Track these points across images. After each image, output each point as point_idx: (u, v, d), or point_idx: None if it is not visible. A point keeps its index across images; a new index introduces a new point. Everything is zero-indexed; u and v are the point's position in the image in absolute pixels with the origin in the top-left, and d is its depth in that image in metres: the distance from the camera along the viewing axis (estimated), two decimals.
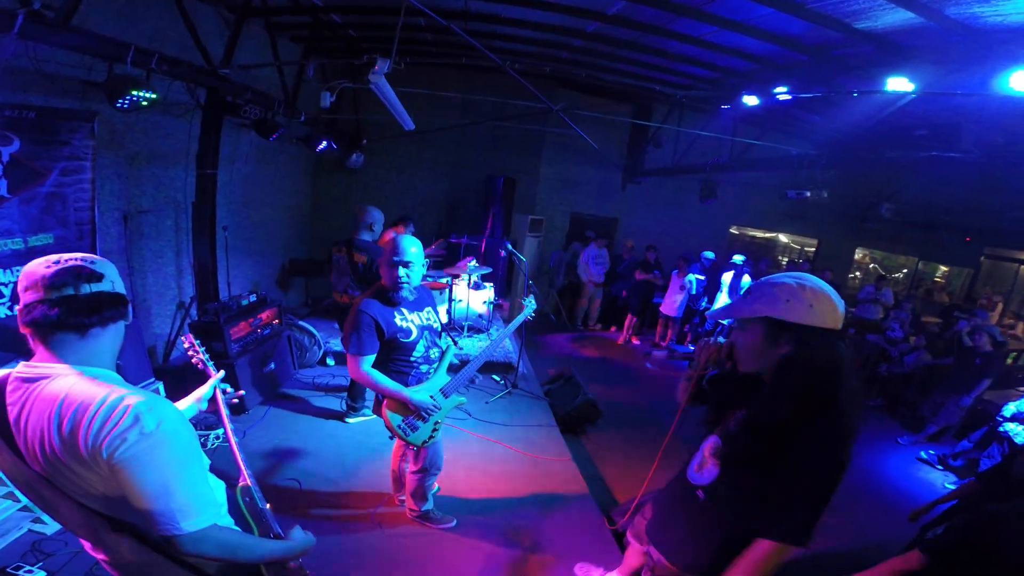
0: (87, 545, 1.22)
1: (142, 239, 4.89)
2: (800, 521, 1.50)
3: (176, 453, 1.08)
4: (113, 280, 1.20)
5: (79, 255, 1.18)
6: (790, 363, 1.45)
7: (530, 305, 3.47)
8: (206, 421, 4.22)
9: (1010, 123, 4.45)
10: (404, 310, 2.64)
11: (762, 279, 1.57)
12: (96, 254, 3.64)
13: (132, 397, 1.06)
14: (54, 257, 1.14)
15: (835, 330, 1.45)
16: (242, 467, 1.61)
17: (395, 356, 2.64)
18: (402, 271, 2.56)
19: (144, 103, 3.39)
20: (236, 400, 1.85)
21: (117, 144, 4.38)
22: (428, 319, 2.78)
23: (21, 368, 1.14)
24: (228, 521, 1.39)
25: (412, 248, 2.58)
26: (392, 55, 3.40)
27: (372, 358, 2.54)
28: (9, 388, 1.13)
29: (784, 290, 1.46)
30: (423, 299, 2.81)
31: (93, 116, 3.90)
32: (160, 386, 3.98)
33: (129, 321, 1.27)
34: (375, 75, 3.39)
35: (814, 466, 1.45)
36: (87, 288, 1.12)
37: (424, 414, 2.63)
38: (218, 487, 1.43)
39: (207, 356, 1.94)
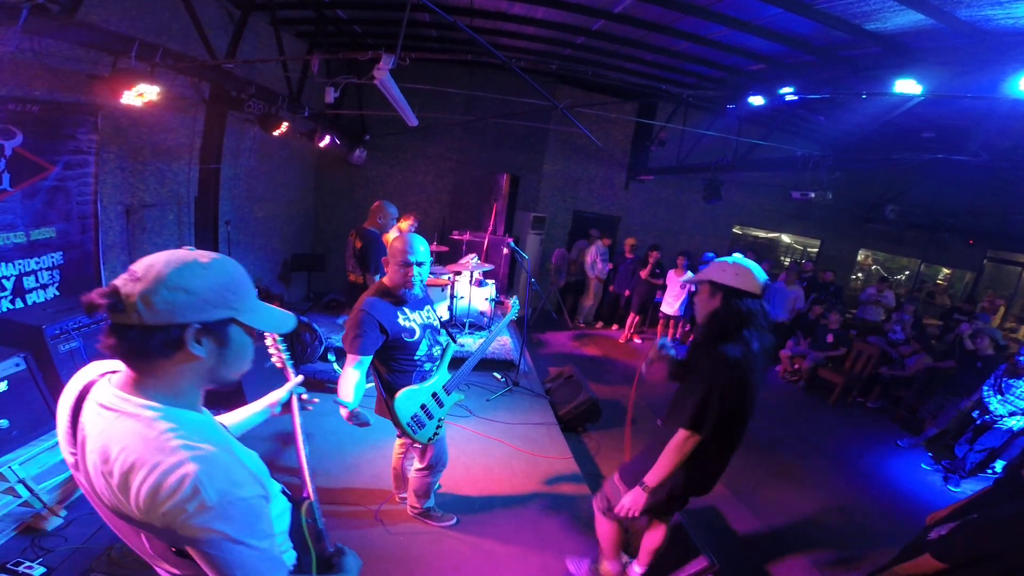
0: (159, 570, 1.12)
1: (144, 233, 4.88)
2: (696, 415, 2.18)
3: (241, 525, 0.94)
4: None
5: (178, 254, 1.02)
6: (719, 308, 2.22)
7: (515, 306, 3.54)
8: None
9: (1020, 127, 4.42)
10: (407, 310, 2.63)
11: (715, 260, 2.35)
12: (99, 248, 3.66)
13: (190, 464, 0.90)
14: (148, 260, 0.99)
15: (754, 293, 2.18)
16: (307, 480, 1.51)
17: (399, 356, 2.62)
18: (416, 270, 2.53)
19: (148, 97, 3.36)
20: (310, 407, 1.74)
21: (121, 138, 4.36)
22: (428, 317, 2.77)
23: (105, 387, 1.00)
24: (289, 553, 1.27)
25: (422, 247, 2.57)
26: (397, 51, 3.37)
27: (368, 359, 2.47)
28: (87, 404, 1.01)
29: (722, 265, 2.25)
30: (423, 298, 2.81)
31: (97, 110, 3.89)
32: None
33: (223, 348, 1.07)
34: (380, 71, 3.36)
35: (704, 375, 2.20)
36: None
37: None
38: (282, 510, 1.27)
39: (288, 356, 1.83)
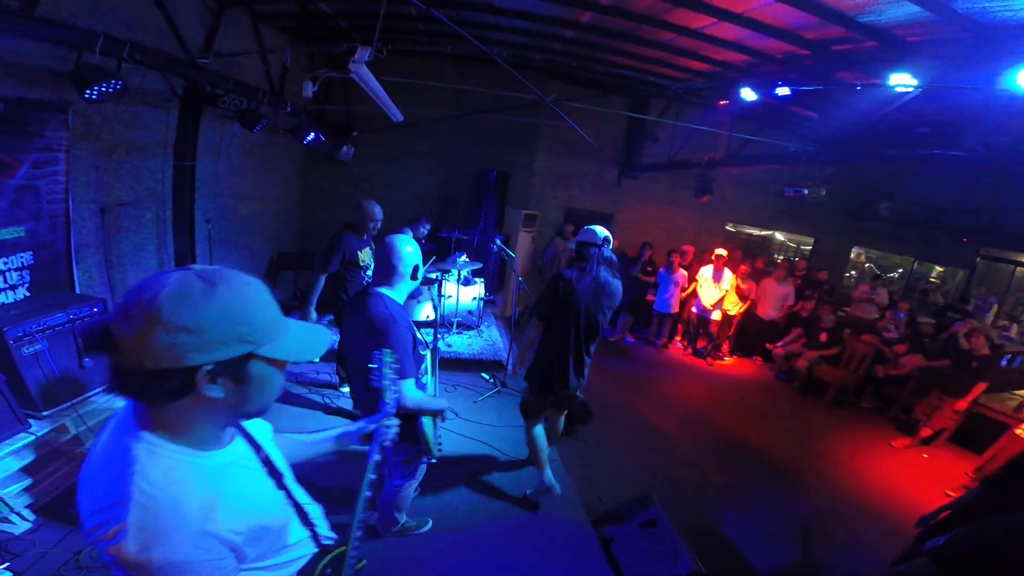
0: None
1: (121, 232, 4.74)
2: (535, 303, 3.45)
3: None
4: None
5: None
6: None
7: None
8: None
9: (1016, 123, 4.34)
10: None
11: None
12: (71, 247, 3.53)
13: (128, 510, 0.82)
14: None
15: (593, 243, 3.29)
16: (353, 526, 1.27)
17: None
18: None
19: (114, 94, 3.23)
20: (388, 443, 1.53)
21: (94, 135, 4.21)
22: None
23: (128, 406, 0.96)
24: None
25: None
26: (373, 43, 3.25)
27: None
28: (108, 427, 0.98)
29: (583, 230, 3.39)
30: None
31: (67, 107, 3.74)
32: None
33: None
34: (355, 64, 3.25)
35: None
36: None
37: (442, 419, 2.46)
38: (295, 558, 1.15)
39: (392, 383, 1.64)
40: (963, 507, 2.81)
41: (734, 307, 7.97)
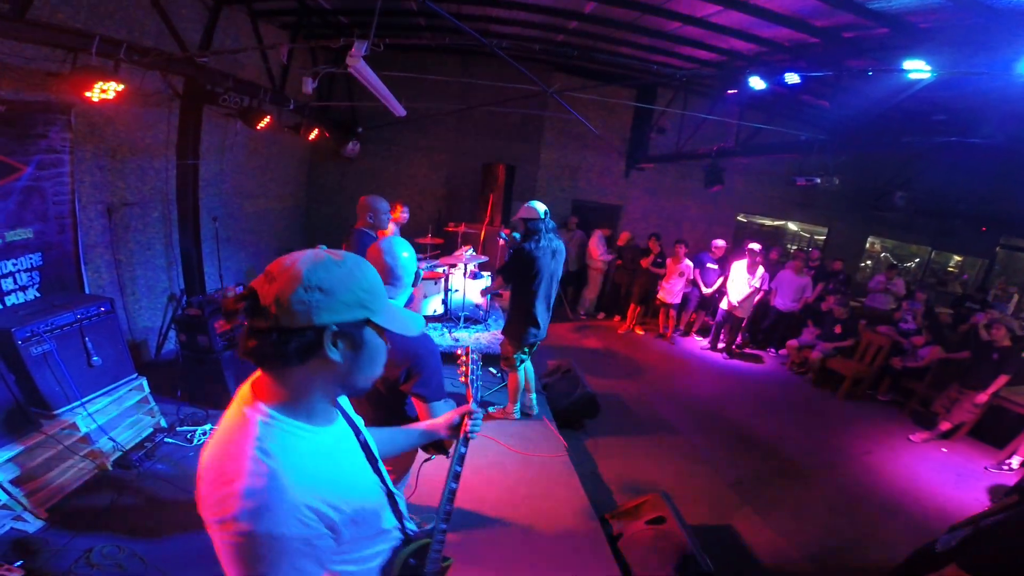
0: None
1: (128, 231, 4.77)
2: (501, 268, 4.32)
3: (258, 558, 0.85)
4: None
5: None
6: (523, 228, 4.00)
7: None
8: (193, 417, 4.16)
9: None
10: None
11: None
12: (79, 248, 3.56)
13: (244, 479, 0.85)
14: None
15: (535, 218, 3.91)
16: (441, 518, 1.31)
17: None
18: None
19: (112, 94, 3.22)
20: (473, 436, 1.56)
21: (97, 136, 4.24)
22: None
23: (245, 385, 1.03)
24: None
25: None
26: (370, 37, 3.21)
27: None
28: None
29: (523, 208, 3.96)
30: None
31: (69, 108, 3.76)
32: (144, 382, 3.90)
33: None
34: (352, 58, 3.20)
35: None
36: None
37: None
38: (379, 551, 1.16)
39: (478, 376, 1.70)
40: (993, 524, 2.70)
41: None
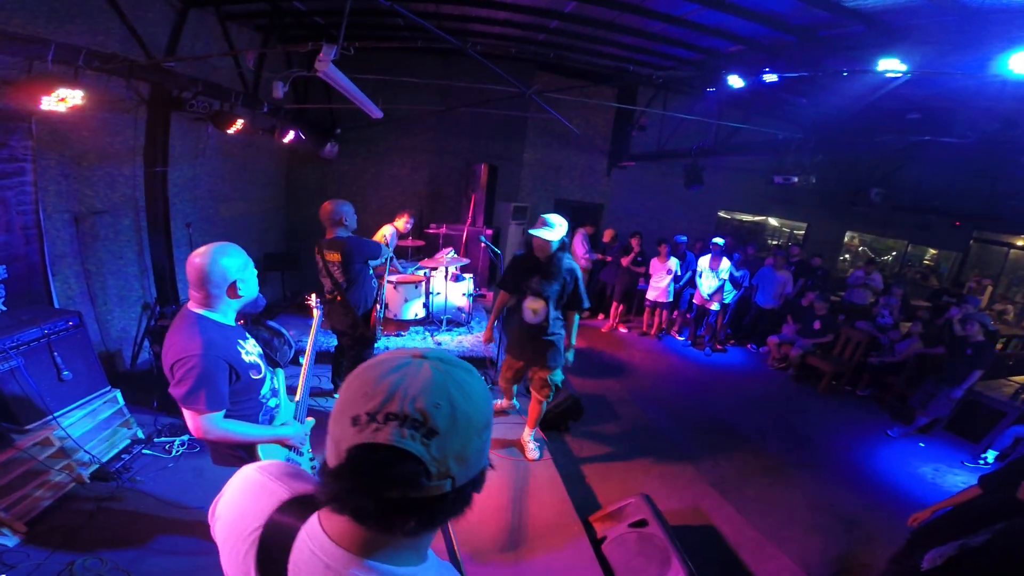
0: None
1: (97, 241, 4.64)
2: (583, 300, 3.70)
3: None
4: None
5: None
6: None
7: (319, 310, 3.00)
8: (171, 427, 4.09)
9: (1007, 108, 4.25)
10: (240, 341, 2.08)
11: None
12: (45, 259, 3.44)
13: None
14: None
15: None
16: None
17: (241, 399, 2.07)
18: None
19: (72, 102, 3.12)
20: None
21: (62, 143, 4.10)
22: (255, 346, 2.22)
23: (324, 543, 0.73)
24: None
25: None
26: (340, 41, 3.14)
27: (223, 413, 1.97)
28: (298, 548, 0.76)
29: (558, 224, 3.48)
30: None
31: (29, 116, 3.62)
32: (118, 394, 3.82)
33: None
34: (321, 63, 3.13)
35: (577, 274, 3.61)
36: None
37: (300, 445, 2.24)
38: None
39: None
40: (959, 512, 2.75)
41: (729, 295, 7.93)
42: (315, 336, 2.61)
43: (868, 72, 4.42)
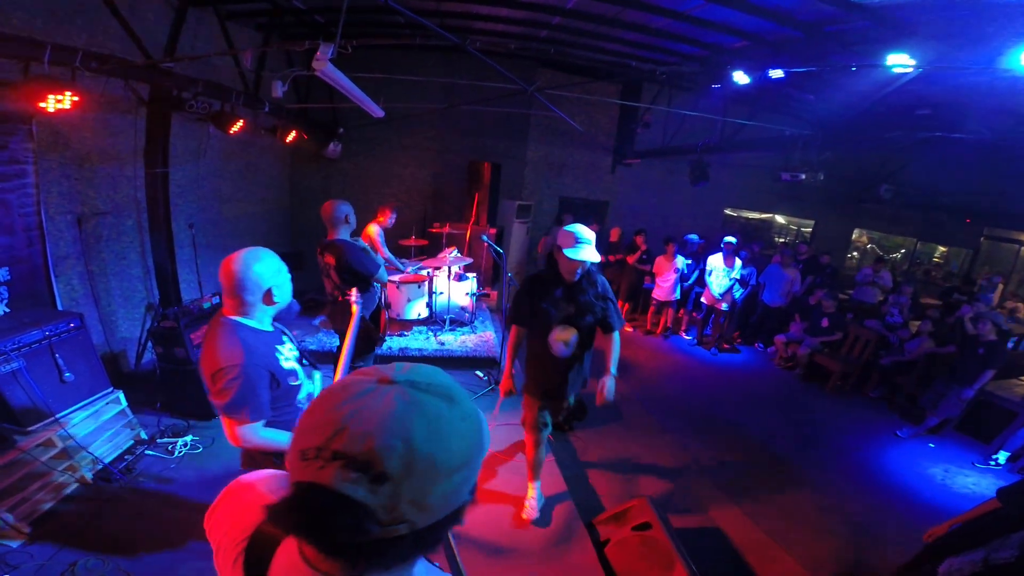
0: None
1: (101, 242, 4.65)
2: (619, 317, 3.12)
3: None
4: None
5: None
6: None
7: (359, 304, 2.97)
8: (174, 428, 4.09)
9: (1019, 104, 4.16)
10: (278, 346, 2.05)
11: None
12: (48, 260, 3.45)
13: None
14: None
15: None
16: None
17: (279, 405, 2.04)
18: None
19: (67, 104, 3.11)
20: None
21: (63, 145, 4.11)
22: (292, 349, 2.18)
23: (294, 553, 0.70)
24: None
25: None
26: (337, 39, 3.11)
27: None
28: (278, 559, 0.74)
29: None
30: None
31: (30, 118, 3.63)
32: (120, 395, 3.84)
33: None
34: (318, 62, 3.10)
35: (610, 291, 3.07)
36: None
37: None
38: None
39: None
40: (975, 526, 2.68)
41: (737, 293, 7.86)
42: (353, 334, 2.45)
43: (876, 67, 4.35)
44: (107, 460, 3.59)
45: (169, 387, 4.34)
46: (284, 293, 1.96)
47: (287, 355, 2.05)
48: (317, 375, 2.33)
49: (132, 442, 3.90)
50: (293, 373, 2.04)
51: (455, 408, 0.65)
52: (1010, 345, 6.34)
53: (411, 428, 0.60)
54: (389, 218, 5.77)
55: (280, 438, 1.96)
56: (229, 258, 1.85)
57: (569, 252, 2.76)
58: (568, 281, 2.92)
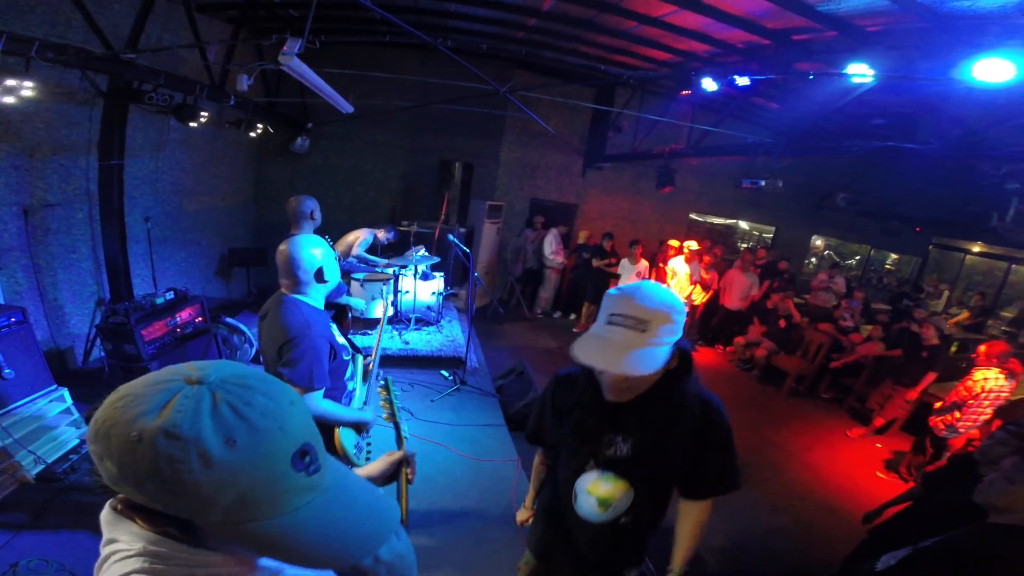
0: None
1: (49, 235, 4.45)
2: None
3: None
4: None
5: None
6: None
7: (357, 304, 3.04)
8: None
9: (970, 114, 4.37)
10: (331, 323, 2.24)
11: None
12: None
13: None
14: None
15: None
16: None
17: (333, 378, 2.19)
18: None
19: (21, 94, 2.98)
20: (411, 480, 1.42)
21: (13, 135, 3.92)
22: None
23: None
24: None
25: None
26: (305, 34, 3.06)
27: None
28: None
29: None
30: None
31: None
32: (65, 392, 3.68)
33: None
34: (284, 56, 3.05)
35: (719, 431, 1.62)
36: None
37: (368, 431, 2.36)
38: None
39: (399, 407, 1.69)
40: (904, 506, 2.83)
41: (698, 297, 8.05)
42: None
43: (836, 75, 4.49)
44: (50, 459, 3.43)
45: (118, 385, 4.17)
46: (334, 273, 2.16)
47: (337, 333, 2.23)
48: (359, 358, 2.48)
49: (78, 441, 3.72)
50: (345, 348, 2.25)
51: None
52: (952, 350, 6.65)
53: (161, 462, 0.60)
54: (387, 235, 5.91)
55: (334, 409, 2.11)
56: (284, 243, 2.08)
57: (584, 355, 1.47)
58: (620, 397, 1.56)
